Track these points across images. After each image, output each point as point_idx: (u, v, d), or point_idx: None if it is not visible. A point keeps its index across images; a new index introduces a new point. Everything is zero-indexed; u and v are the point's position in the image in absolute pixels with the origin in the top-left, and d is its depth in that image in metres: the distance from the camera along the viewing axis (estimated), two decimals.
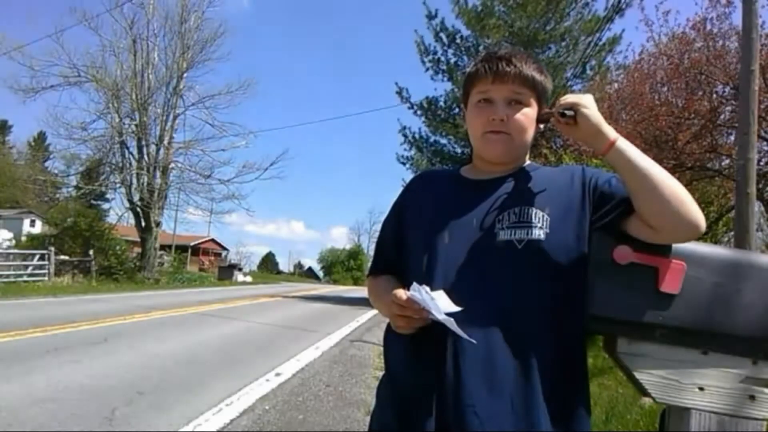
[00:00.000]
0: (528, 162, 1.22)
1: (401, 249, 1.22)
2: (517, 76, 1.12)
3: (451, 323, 0.98)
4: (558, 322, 1.06)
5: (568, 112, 1.06)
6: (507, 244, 1.07)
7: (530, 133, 1.15)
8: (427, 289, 1.00)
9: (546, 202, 1.10)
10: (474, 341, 1.00)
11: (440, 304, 0.99)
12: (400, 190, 1.35)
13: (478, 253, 1.09)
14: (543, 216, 1.08)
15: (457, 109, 17.89)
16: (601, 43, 15.03)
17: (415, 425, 1.07)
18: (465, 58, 17.99)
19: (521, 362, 1.03)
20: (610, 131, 1.04)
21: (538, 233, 1.07)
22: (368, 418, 1.28)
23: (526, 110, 1.13)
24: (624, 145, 1.03)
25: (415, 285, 1.01)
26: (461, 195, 1.17)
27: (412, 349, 1.10)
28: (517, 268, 1.06)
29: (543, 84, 1.16)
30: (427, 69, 18.32)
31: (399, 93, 19.28)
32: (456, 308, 1.00)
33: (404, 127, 19.67)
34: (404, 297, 1.02)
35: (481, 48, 17.50)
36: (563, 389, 1.04)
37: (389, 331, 1.17)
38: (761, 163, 7.66)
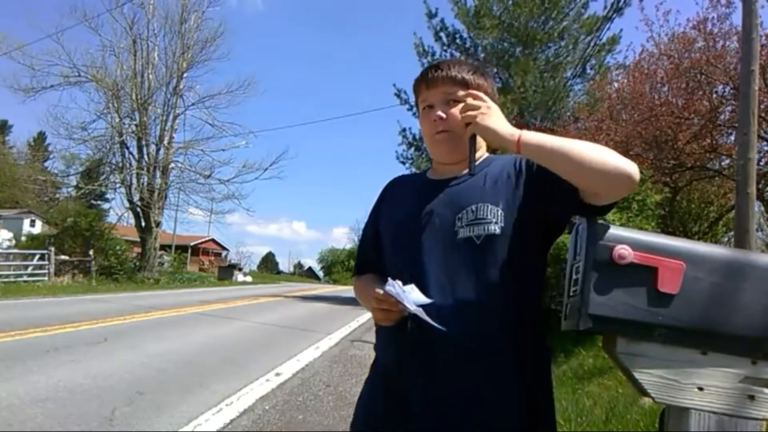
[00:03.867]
0: (486, 155, 1.30)
1: (379, 250, 1.33)
2: (446, 78, 1.23)
3: (422, 314, 1.08)
4: (518, 309, 1.15)
5: (469, 129, 1.17)
6: (467, 240, 1.16)
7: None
8: (400, 283, 1.09)
9: (498, 197, 1.18)
10: (444, 329, 1.08)
11: (412, 297, 1.09)
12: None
13: (442, 250, 1.17)
14: (497, 211, 1.16)
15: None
16: (600, 42, 15.02)
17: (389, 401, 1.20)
18: (464, 58, 17.97)
19: (487, 350, 1.12)
20: (511, 132, 1.11)
21: (494, 228, 1.15)
22: None
23: (458, 107, 1.20)
24: (528, 137, 1.10)
25: (389, 281, 1.10)
26: (425, 196, 1.25)
27: (388, 337, 1.23)
28: (478, 263, 1.15)
29: (477, 82, 1.23)
30: None
31: (398, 95, 19.24)
32: (427, 300, 1.10)
33: (404, 129, 19.66)
34: (380, 292, 1.11)
35: (480, 48, 17.52)
36: (527, 373, 1.14)
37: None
38: (761, 163, 7.66)
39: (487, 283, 1.14)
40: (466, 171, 1.24)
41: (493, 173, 1.22)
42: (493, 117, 1.14)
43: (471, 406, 1.11)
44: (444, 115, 1.22)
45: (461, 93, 1.21)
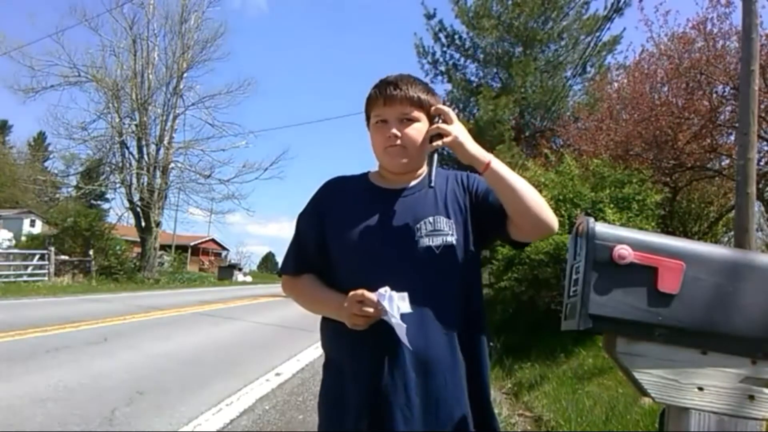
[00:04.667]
0: (425, 170, 1.38)
1: (323, 250, 1.34)
2: (404, 98, 1.29)
3: (402, 329, 1.15)
4: (475, 310, 1.30)
5: (436, 143, 1.24)
6: (427, 249, 1.26)
7: (423, 145, 1.30)
8: (390, 291, 1.15)
9: (449, 210, 1.31)
10: (411, 348, 1.18)
11: (401, 306, 1.15)
12: None
13: (406, 257, 1.26)
14: (450, 223, 1.29)
15: (456, 110, 17.85)
16: (601, 42, 15.00)
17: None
18: (464, 59, 17.97)
19: (449, 351, 1.23)
20: (483, 155, 1.25)
21: (451, 239, 1.28)
22: None
23: (416, 125, 1.30)
24: (497, 165, 1.25)
25: (383, 290, 1.16)
26: (381, 203, 1.33)
27: (357, 338, 1.23)
28: (438, 271, 1.26)
29: (429, 102, 1.32)
30: (427, 74, 18.13)
31: None
32: (409, 310, 1.16)
33: None
34: (375, 299, 1.16)
35: (480, 48, 17.50)
36: (478, 370, 1.28)
37: (331, 327, 1.31)
38: (761, 163, 7.65)
39: (448, 289, 1.26)
40: (414, 182, 1.35)
41: (440, 186, 1.34)
42: (466, 135, 1.25)
43: (438, 405, 1.21)
44: (399, 133, 1.29)
45: (415, 113, 1.30)
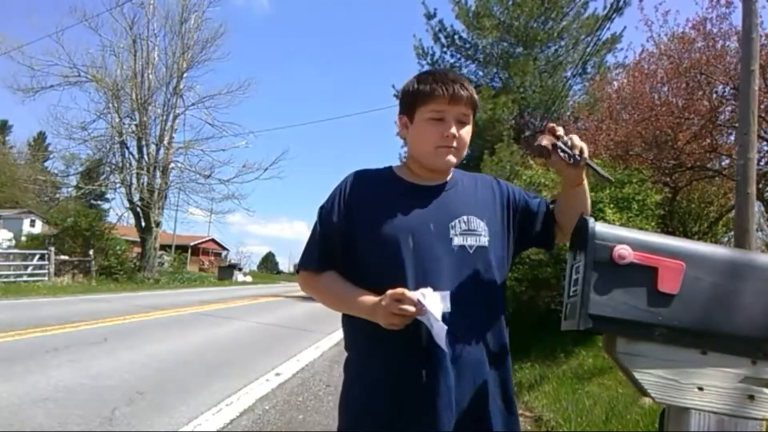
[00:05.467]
0: (453, 172, 1.39)
1: (348, 245, 1.29)
2: (469, 99, 1.28)
3: (442, 329, 1.10)
4: (496, 312, 1.29)
5: (581, 159, 1.20)
6: (461, 248, 1.25)
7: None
8: (432, 292, 1.11)
9: (483, 213, 1.30)
10: (446, 350, 1.16)
11: (443, 306, 1.11)
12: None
13: (440, 255, 1.23)
14: (483, 225, 1.28)
15: None
16: (601, 41, 15.00)
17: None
18: (464, 59, 17.96)
19: (478, 353, 1.22)
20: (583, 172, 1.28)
21: (484, 241, 1.27)
22: None
23: (468, 128, 1.31)
24: (585, 183, 1.31)
25: (424, 290, 1.12)
26: (412, 199, 1.29)
27: (390, 338, 1.18)
28: (470, 270, 1.24)
29: (477, 103, 1.34)
30: None
31: (397, 96, 19.23)
32: (449, 309, 1.13)
33: None
34: (415, 298, 1.11)
35: (480, 48, 17.49)
36: (506, 373, 1.29)
37: (358, 326, 1.26)
38: (761, 163, 7.65)
39: (479, 290, 1.24)
40: (446, 180, 1.34)
41: (470, 188, 1.35)
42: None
43: (467, 406, 1.20)
44: (457, 134, 1.27)
45: (470, 115, 1.30)
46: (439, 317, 1.10)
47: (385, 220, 1.25)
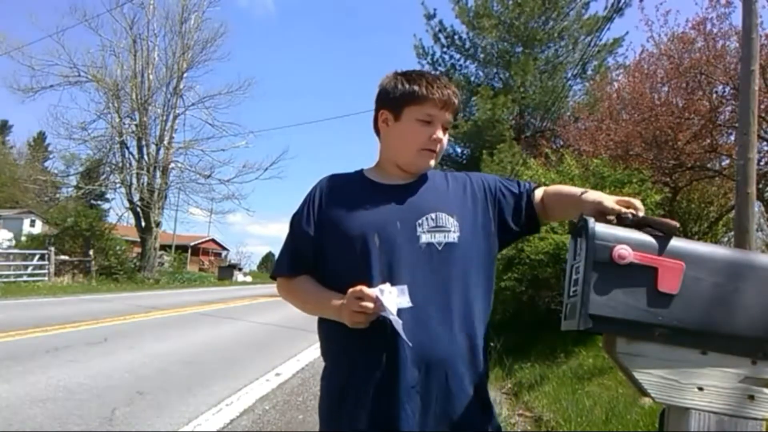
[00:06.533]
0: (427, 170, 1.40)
1: (319, 250, 1.30)
2: (456, 108, 1.33)
3: (398, 323, 1.11)
4: (469, 308, 1.25)
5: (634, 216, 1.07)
6: (429, 246, 1.24)
7: None
8: (390, 287, 1.13)
9: (453, 209, 1.29)
10: (410, 344, 1.15)
11: (400, 301, 1.13)
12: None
13: (406, 253, 1.23)
14: (453, 221, 1.27)
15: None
16: (601, 42, 15.00)
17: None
18: (464, 59, 17.96)
19: (450, 348, 1.21)
20: None
21: (453, 237, 1.25)
22: None
23: (447, 135, 1.34)
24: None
25: (382, 286, 1.13)
26: (380, 198, 1.30)
27: (356, 337, 1.19)
28: (440, 267, 1.23)
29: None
30: None
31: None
32: (408, 304, 1.14)
33: None
34: (373, 294, 1.12)
35: (480, 48, 17.49)
36: (483, 375, 1.27)
37: (327, 327, 1.29)
38: (761, 163, 7.64)
39: (450, 287, 1.23)
40: (414, 179, 1.34)
41: (440, 185, 1.35)
42: (598, 193, 1.22)
43: (438, 402, 1.19)
44: (443, 139, 1.31)
45: (451, 122, 1.34)
46: (395, 311, 1.11)
47: (351, 219, 1.27)
